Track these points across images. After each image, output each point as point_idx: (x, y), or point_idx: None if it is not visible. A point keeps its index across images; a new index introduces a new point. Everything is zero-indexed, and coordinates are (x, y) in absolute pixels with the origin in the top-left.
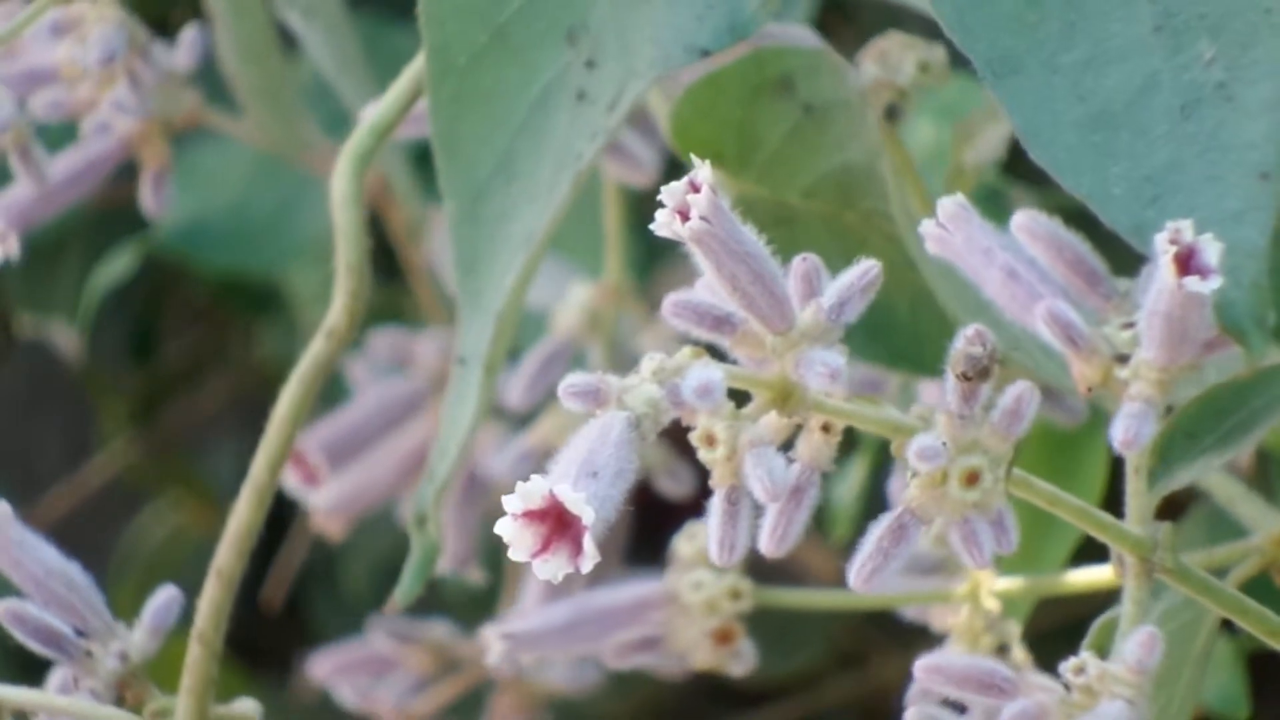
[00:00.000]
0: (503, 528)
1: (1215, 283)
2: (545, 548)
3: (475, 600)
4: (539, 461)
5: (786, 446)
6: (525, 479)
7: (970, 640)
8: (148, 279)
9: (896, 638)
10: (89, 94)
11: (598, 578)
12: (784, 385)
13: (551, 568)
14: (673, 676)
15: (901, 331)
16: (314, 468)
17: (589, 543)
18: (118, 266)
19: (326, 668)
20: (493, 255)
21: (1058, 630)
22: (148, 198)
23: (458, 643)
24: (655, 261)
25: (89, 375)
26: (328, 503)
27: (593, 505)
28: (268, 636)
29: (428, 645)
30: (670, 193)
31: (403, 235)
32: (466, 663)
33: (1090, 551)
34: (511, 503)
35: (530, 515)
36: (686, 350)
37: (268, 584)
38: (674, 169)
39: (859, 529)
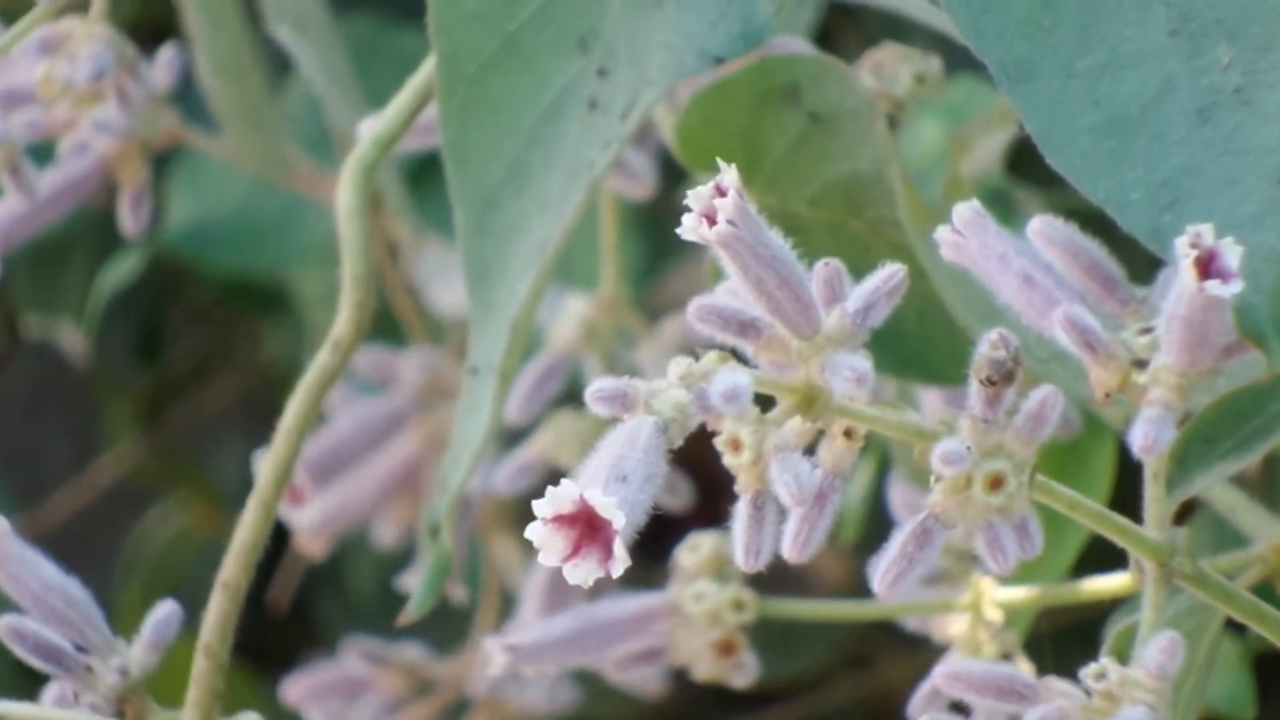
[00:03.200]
0: (533, 532)
1: (1236, 286)
2: (575, 552)
3: (450, 619)
4: (536, 475)
5: (808, 452)
6: (521, 492)
7: (972, 650)
8: (154, 280)
9: (902, 640)
10: (66, 114)
11: (599, 589)
12: (809, 390)
13: (582, 572)
14: (654, 696)
15: (909, 339)
16: (298, 487)
17: (619, 547)
18: (124, 268)
19: (299, 690)
20: (504, 265)
21: (1061, 631)
22: (126, 219)
23: (431, 664)
24: (654, 273)
25: (95, 376)
26: (311, 522)
27: (623, 510)
28: (274, 638)
29: (401, 667)
30: (696, 197)
31: (384, 252)
32: (440, 684)
33: (1089, 556)
34: (542, 507)
35: (560, 520)
36: (713, 355)
37: (274, 585)
38: (670, 180)
39: (865, 531)
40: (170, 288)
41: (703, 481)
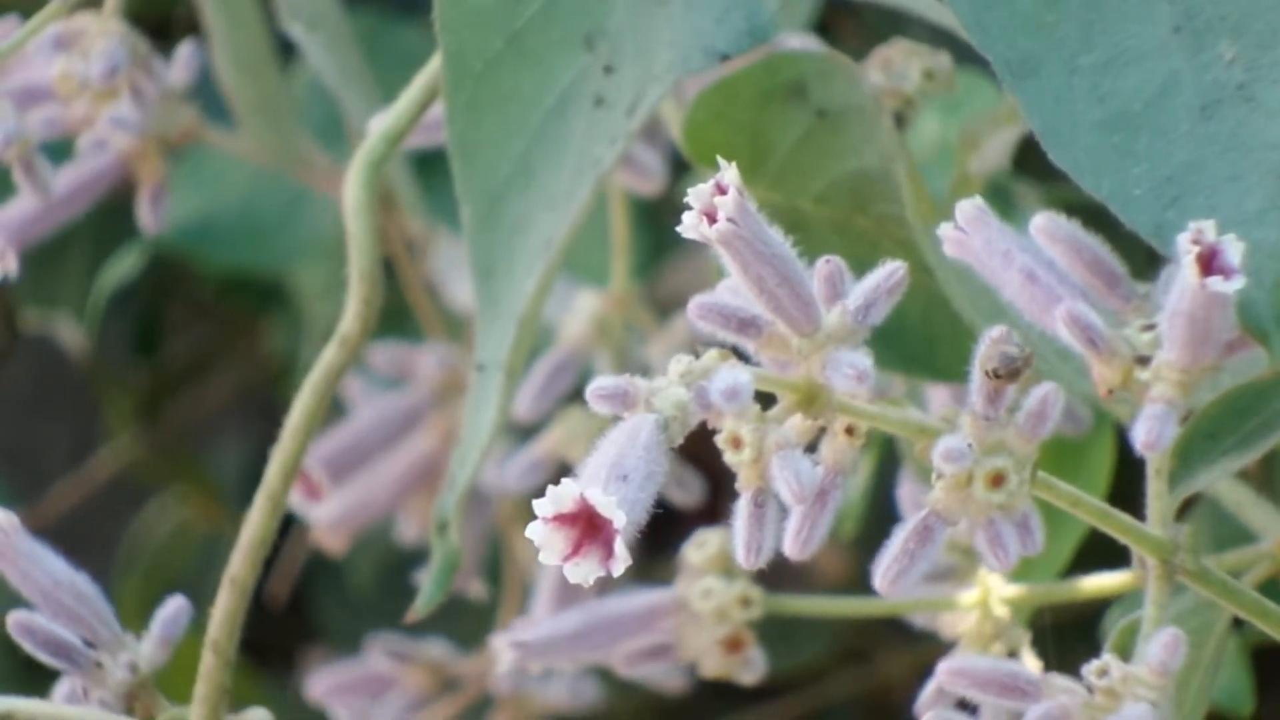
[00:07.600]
0: (533, 531)
1: (1238, 282)
2: (576, 551)
3: (473, 615)
4: (547, 472)
5: (809, 450)
6: (533, 489)
7: (980, 646)
8: (153, 275)
9: (902, 635)
10: (85, 110)
11: (606, 586)
12: (810, 387)
13: (582, 571)
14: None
15: (913, 336)
16: (315, 482)
17: (620, 546)
18: (124, 263)
19: (323, 687)
20: (511, 261)
21: (1065, 625)
22: (145, 215)
23: (455, 661)
24: (656, 265)
25: (95, 371)
26: (329, 517)
27: (623, 508)
28: (272, 632)
29: (425, 664)
30: (697, 195)
31: (400, 247)
32: (464, 680)
33: (1089, 550)
34: (542, 506)
35: (561, 519)
36: (714, 353)
37: (272, 580)
38: (679, 176)
39: (865, 526)
40: (169, 283)
41: (711, 477)
